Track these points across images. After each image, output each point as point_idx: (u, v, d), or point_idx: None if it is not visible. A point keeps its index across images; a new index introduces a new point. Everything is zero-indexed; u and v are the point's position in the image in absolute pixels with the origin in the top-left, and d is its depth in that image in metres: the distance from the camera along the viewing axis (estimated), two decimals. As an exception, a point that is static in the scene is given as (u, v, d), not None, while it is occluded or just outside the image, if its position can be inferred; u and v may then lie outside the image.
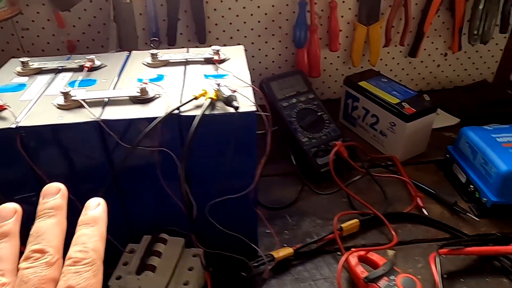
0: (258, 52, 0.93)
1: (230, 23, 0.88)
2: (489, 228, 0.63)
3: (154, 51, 0.58)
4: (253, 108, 0.46)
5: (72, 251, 0.25)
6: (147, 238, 0.52)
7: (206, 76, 0.54)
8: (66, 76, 0.56)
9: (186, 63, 0.58)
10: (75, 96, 0.47)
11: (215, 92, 0.47)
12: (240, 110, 0.45)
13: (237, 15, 0.87)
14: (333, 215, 0.63)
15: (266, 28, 0.90)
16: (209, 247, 0.52)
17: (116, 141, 0.45)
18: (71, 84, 0.53)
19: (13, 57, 0.61)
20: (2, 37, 0.85)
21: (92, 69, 0.57)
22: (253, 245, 0.55)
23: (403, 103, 0.75)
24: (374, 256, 0.55)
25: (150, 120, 0.45)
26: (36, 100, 0.50)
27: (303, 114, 0.78)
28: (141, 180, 0.51)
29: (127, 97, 0.49)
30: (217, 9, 0.86)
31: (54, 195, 0.27)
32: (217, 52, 0.58)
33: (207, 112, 0.45)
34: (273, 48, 0.93)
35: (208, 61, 0.58)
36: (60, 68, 0.58)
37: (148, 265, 0.48)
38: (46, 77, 0.55)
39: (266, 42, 0.92)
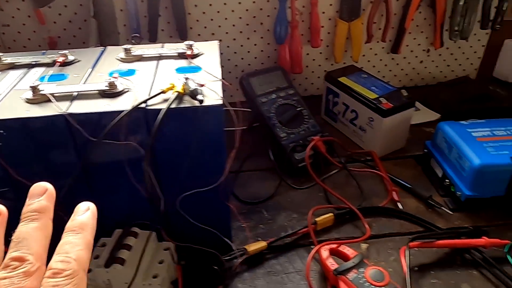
0: (240, 49, 0.93)
1: (212, 19, 0.88)
2: (463, 222, 0.64)
3: (128, 46, 0.59)
4: (220, 102, 0.46)
5: (53, 260, 0.23)
6: (118, 231, 0.52)
7: (178, 71, 0.54)
8: (38, 71, 0.56)
9: (159, 58, 0.59)
10: (43, 90, 0.48)
11: (183, 86, 0.47)
12: (205, 103, 0.45)
13: (218, 11, 0.88)
14: (309, 210, 0.64)
15: (247, 25, 0.90)
16: (184, 241, 0.52)
17: (84, 135, 0.45)
18: (42, 79, 0.53)
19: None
20: (-18, 33, 0.86)
21: (65, 64, 0.57)
22: (225, 239, 0.55)
23: (380, 99, 0.75)
24: (346, 250, 0.56)
25: (117, 113, 0.45)
26: (6, 94, 0.50)
27: (282, 109, 0.78)
28: (112, 175, 0.51)
29: (96, 91, 0.49)
30: (197, 5, 0.86)
31: (39, 196, 0.26)
32: (190, 47, 0.58)
33: (173, 106, 0.45)
34: (255, 45, 0.93)
35: (181, 56, 0.58)
36: (34, 63, 0.58)
37: (117, 258, 0.48)
38: (18, 72, 0.55)
39: (248, 38, 0.92)
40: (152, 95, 0.47)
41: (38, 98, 0.47)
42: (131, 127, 0.46)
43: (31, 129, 0.46)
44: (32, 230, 0.24)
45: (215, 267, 0.54)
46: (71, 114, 0.45)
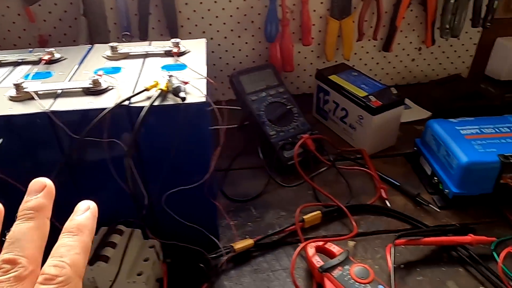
0: (232, 47, 0.93)
1: (202, 18, 0.88)
2: (450, 219, 0.64)
3: (114, 44, 0.59)
4: (203, 99, 0.46)
5: (47, 265, 0.22)
6: (103, 229, 0.52)
7: (163, 68, 0.54)
8: (24, 69, 0.56)
9: (145, 56, 0.58)
10: (27, 88, 0.48)
11: (166, 83, 0.47)
12: (188, 101, 0.45)
13: (209, 9, 0.88)
14: (297, 208, 0.64)
15: (238, 23, 0.90)
16: (170, 239, 0.52)
17: (67, 132, 0.45)
18: (27, 76, 0.53)
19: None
20: (-28, 31, 0.85)
21: (51, 61, 0.57)
22: (212, 236, 0.55)
23: (369, 96, 0.75)
24: (332, 247, 0.56)
25: (100, 111, 0.45)
26: (-10, 92, 0.50)
27: (272, 107, 0.78)
28: (97, 172, 0.51)
29: (80, 89, 0.49)
30: (188, 3, 0.86)
31: (37, 192, 0.24)
32: (177, 45, 0.58)
33: (156, 103, 0.45)
34: (246, 43, 0.93)
35: (168, 53, 0.58)
36: (20, 61, 0.58)
37: (101, 256, 0.48)
38: (4, 70, 0.55)
39: (239, 36, 0.92)
40: (135, 92, 0.47)
41: (22, 95, 0.47)
42: (115, 124, 0.46)
43: (14, 126, 0.46)
44: (27, 230, 0.23)
45: (201, 265, 0.54)
46: (53, 112, 0.45)
